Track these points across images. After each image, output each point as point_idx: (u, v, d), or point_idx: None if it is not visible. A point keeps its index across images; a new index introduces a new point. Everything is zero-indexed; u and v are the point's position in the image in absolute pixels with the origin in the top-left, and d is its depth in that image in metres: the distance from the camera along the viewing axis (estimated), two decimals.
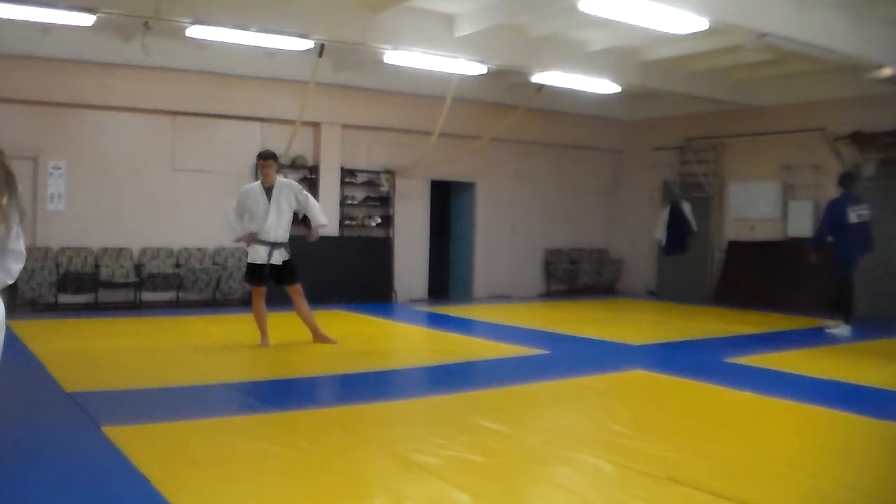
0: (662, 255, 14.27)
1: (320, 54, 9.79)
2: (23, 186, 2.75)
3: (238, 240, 7.82)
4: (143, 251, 11.03)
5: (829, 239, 9.47)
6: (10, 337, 4.77)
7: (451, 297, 13.83)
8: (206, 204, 10.92)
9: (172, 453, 4.05)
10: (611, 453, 4.17)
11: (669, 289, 14.37)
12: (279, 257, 7.50)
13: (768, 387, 6.08)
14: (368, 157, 12.69)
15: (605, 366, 7.11)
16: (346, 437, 4.53)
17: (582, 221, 15.10)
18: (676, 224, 13.73)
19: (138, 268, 10.79)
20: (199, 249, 11.38)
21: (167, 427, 4.61)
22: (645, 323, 11.03)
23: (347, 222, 12.49)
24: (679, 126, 14.16)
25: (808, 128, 12.21)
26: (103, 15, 8.31)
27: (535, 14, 9.71)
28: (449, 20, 9.80)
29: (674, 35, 9.01)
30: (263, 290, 7.60)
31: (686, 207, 13.71)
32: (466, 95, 11.92)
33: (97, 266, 10.55)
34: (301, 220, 8.04)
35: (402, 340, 9.50)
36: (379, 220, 12.79)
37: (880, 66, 9.66)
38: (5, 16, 8.11)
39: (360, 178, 12.67)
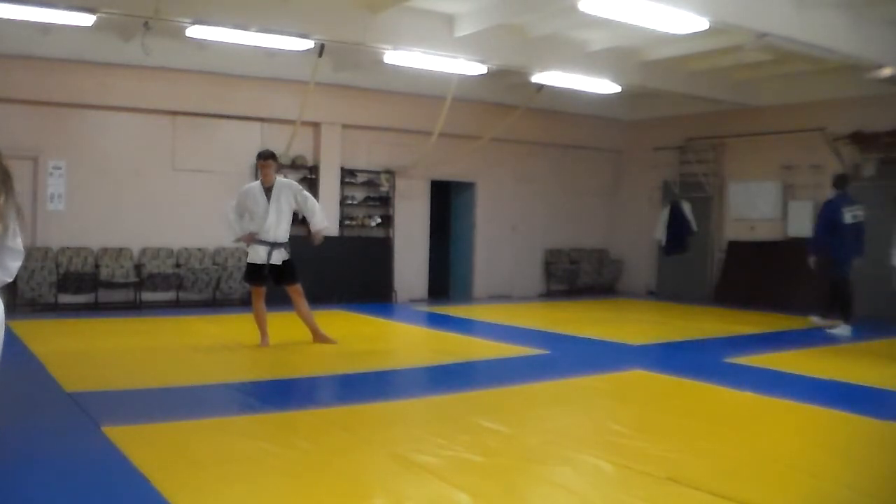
0: (662, 255, 14.26)
1: (320, 54, 9.79)
2: (23, 186, 2.76)
3: (238, 240, 7.82)
4: (143, 251, 11.03)
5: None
6: (10, 337, 4.78)
7: (451, 297, 13.83)
8: (206, 204, 10.92)
9: (172, 453, 4.05)
10: (611, 453, 4.17)
11: (669, 289, 14.36)
12: (279, 257, 7.50)
13: (768, 387, 6.08)
14: (368, 157, 12.69)
15: (605, 366, 7.11)
16: (346, 437, 4.53)
17: (582, 221, 15.10)
18: (676, 224, 13.72)
19: (138, 268, 10.79)
20: (199, 249, 11.38)
21: (167, 427, 4.61)
22: (645, 323, 11.03)
23: (347, 222, 12.49)
24: (679, 126, 14.16)
25: (808, 128, 12.22)
26: (103, 15, 8.31)
27: (535, 14, 9.70)
28: (449, 20, 9.80)
29: (674, 35, 9.01)
30: (263, 290, 7.60)
31: (686, 207, 13.70)
32: (466, 95, 11.92)
33: (97, 266, 10.55)
34: (301, 221, 8.04)
35: (402, 340, 9.50)
36: (379, 220, 12.79)
37: (880, 66, 9.65)
38: (5, 16, 8.11)
39: (360, 178, 12.67)
